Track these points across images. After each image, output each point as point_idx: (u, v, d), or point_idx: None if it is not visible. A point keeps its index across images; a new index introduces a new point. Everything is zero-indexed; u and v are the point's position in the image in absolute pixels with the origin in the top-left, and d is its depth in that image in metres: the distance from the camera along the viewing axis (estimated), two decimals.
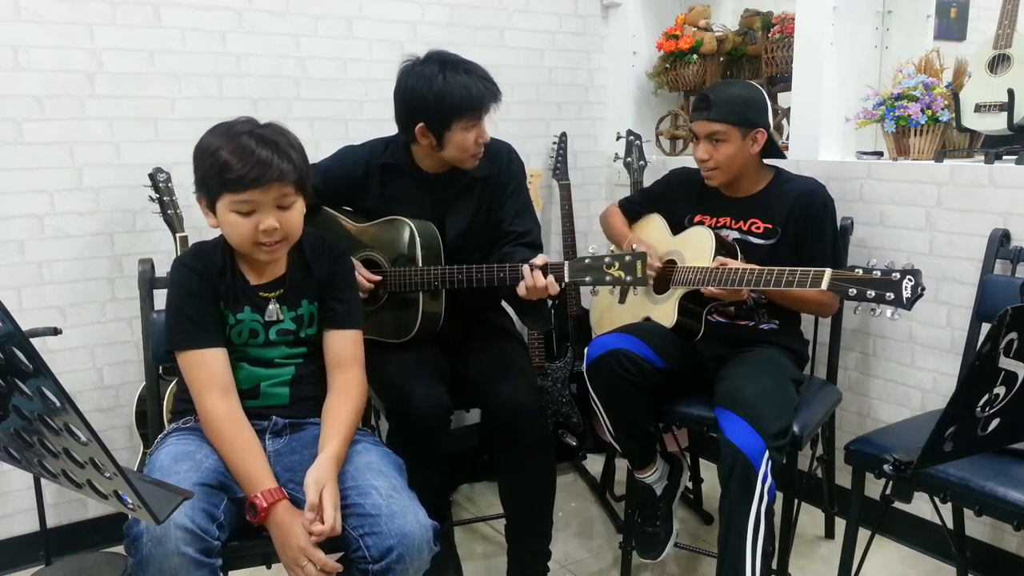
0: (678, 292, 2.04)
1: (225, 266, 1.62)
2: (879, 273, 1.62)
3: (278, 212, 1.52)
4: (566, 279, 1.78)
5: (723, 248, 2.02)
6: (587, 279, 1.75)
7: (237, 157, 1.47)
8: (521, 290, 1.81)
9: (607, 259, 1.73)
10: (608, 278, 1.72)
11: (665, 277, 2.08)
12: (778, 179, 2.11)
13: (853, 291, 1.64)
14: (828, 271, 1.70)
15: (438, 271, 1.95)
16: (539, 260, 1.80)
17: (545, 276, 1.78)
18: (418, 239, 1.98)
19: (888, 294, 1.60)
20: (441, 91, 1.87)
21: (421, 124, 1.92)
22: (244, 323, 1.61)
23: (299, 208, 1.58)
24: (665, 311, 2.05)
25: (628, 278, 1.71)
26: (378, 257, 2.05)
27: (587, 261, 1.75)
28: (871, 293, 1.61)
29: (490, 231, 2.09)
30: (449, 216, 2.06)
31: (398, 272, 2.00)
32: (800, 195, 2.05)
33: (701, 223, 2.15)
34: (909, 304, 1.58)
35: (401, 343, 2.02)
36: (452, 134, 1.92)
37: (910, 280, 1.58)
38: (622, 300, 2.23)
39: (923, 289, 1.59)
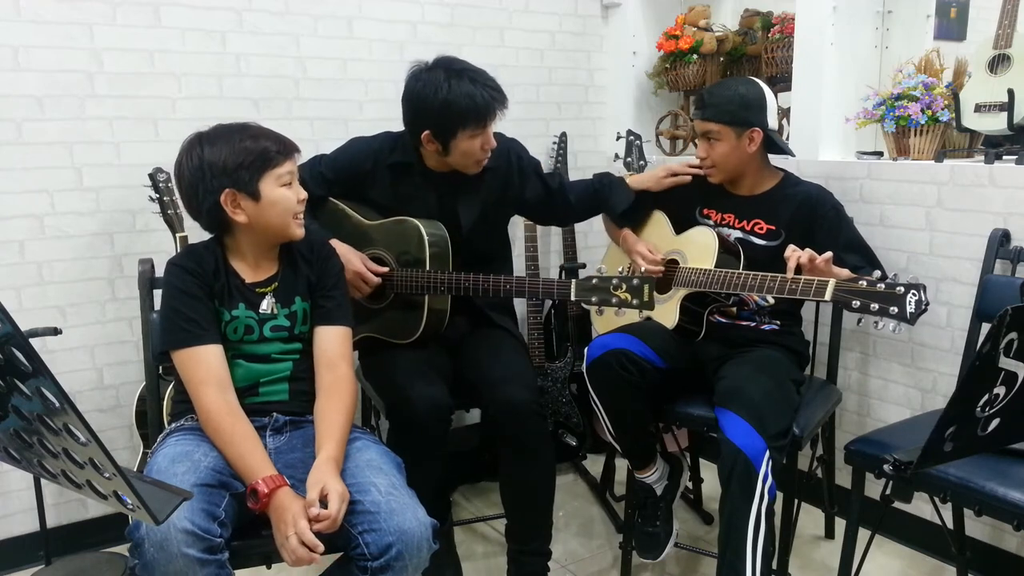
0: (680, 293, 2.03)
1: (218, 266, 1.64)
2: (883, 286, 1.61)
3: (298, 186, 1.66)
4: (572, 298, 1.80)
5: (726, 250, 2.01)
6: (593, 299, 1.76)
7: (260, 139, 1.58)
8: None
9: (614, 281, 1.74)
10: (614, 299, 1.73)
11: (667, 277, 2.08)
12: (785, 182, 2.11)
13: (856, 303, 1.64)
14: (832, 281, 1.70)
15: (445, 277, 1.96)
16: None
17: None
18: (426, 239, 1.98)
19: (892, 308, 1.59)
20: (446, 99, 1.87)
21: (427, 132, 1.93)
22: (239, 319, 1.62)
23: None
24: (666, 311, 2.05)
25: (635, 301, 1.72)
26: (385, 255, 2.05)
27: (594, 281, 1.76)
28: (875, 306, 1.61)
29: (502, 220, 2.14)
30: (461, 206, 2.08)
31: (406, 274, 2.01)
32: (806, 200, 2.04)
33: (707, 217, 2.15)
34: (912, 319, 1.58)
35: (405, 343, 2.02)
36: (458, 142, 1.93)
37: (914, 295, 1.58)
38: None
39: (927, 304, 1.59)
